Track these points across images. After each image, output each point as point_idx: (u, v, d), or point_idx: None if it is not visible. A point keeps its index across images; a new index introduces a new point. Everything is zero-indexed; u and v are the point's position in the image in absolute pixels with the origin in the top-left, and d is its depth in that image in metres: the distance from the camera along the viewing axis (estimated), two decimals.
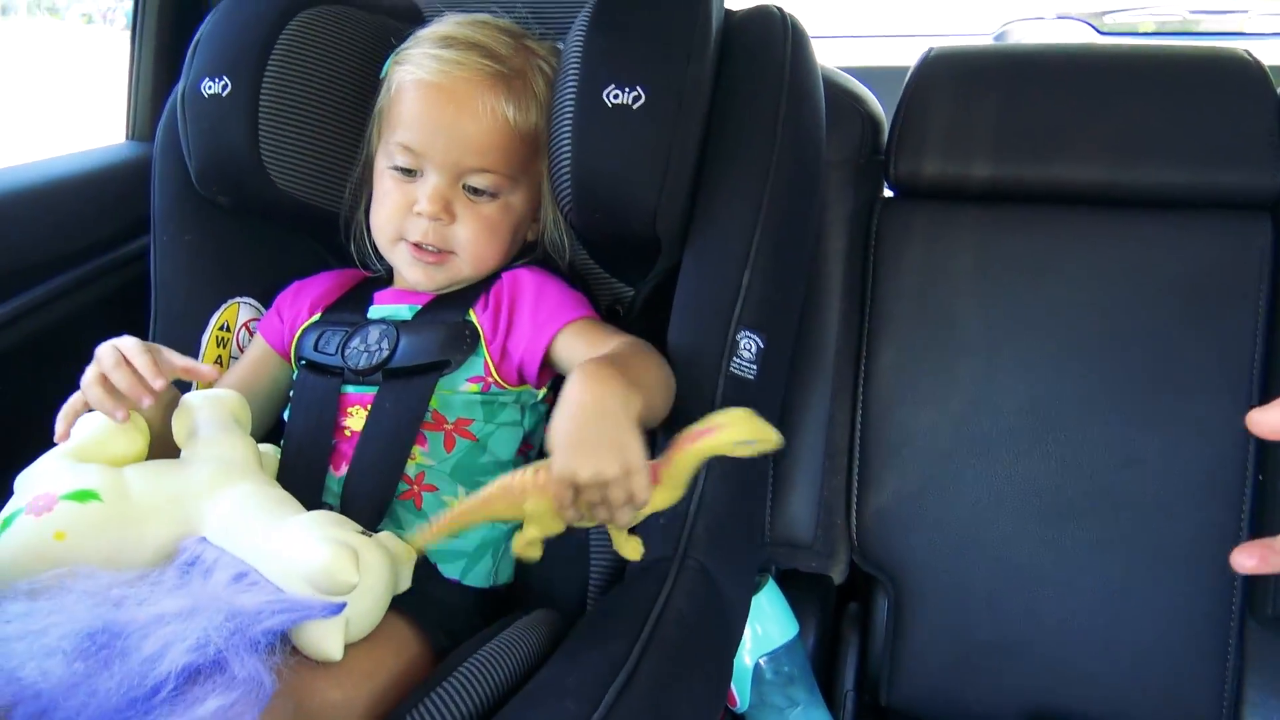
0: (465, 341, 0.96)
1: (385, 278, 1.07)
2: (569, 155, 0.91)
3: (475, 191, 0.97)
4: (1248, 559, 0.55)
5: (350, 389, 0.97)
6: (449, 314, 0.99)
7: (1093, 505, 1.06)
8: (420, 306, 1.01)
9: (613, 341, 0.92)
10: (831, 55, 1.17)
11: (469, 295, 1.00)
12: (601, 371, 0.79)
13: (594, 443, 0.73)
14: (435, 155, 0.95)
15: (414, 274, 0.99)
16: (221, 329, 1.10)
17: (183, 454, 0.89)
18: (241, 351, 1.10)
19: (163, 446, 0.89)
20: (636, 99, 0.89)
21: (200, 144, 1.02)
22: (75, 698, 0.63)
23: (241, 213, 1.09)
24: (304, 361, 1.01)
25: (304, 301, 1.06)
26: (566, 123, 0.91)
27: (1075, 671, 1.07)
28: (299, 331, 1.03)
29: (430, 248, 0.97)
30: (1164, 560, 1.05)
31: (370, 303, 1.03)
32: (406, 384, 0.95)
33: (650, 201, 0.91)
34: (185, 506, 0.82)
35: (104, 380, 0.84)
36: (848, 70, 1.22)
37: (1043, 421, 1.08)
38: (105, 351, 0.85)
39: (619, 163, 0.90)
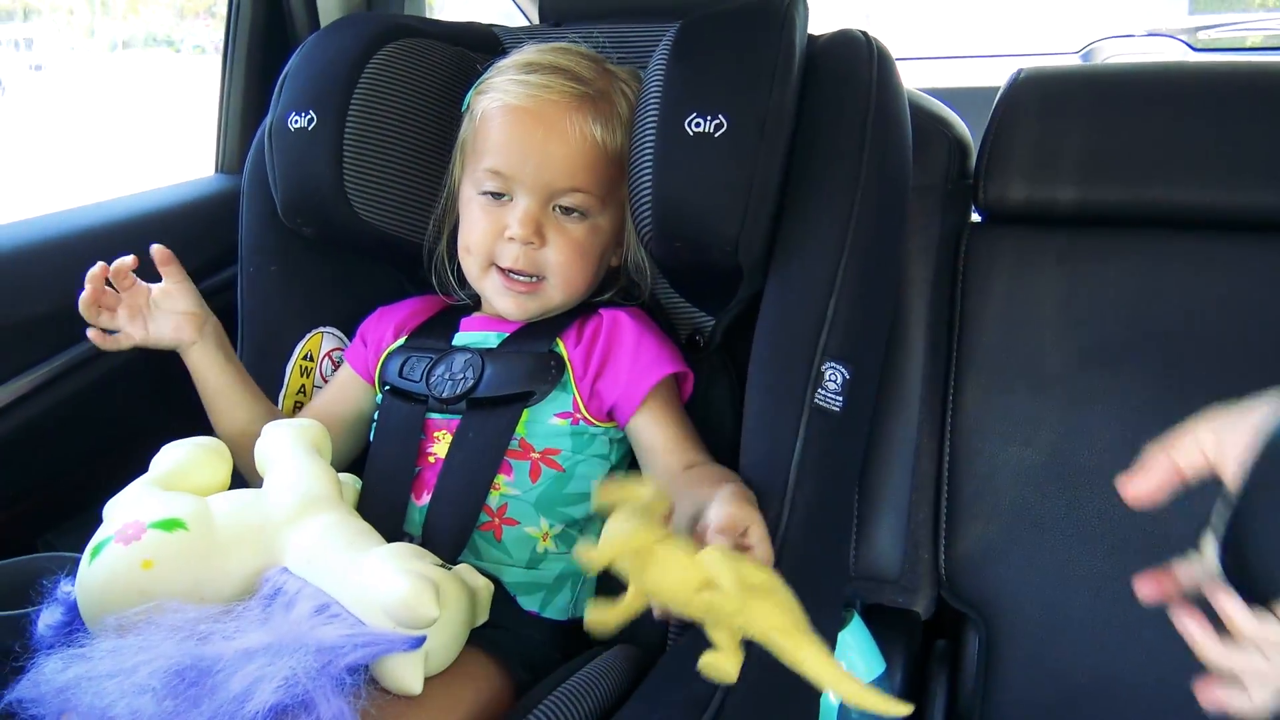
0: (551, 373, 0.96)
1: (472, 305, 1.08)
2: (650, 184, 0.90)
3: (565, 212, 0.97)
4: (1144, 586, 0.53)
5: (435, 415, 0.97)
6: (536, 344, 0.99)
7: (1197, 540, 1.01)
8: (507, 335, 1.01)
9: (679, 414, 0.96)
10: (916, 78, 1.15)
11: (557, 325, 1.00)
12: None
13: None
14: (525, 178, 0.95)
15: (504, 303, 0.99)
16: (305, 359, 1.12)
17: (265, 484, 0.90)
18: (325, 381, 1.12)
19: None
20: (719, 127, 0.88)
21: (286, 176, 1.04)
22: None
23: (326, 244, 1.10)
24: (388, 387, 1.01)
25: (388, 325, 1.07)
26: (648, 152, 0.91)
27: (1182, 717, 1.02)
28: (384, 355, 1.04)
29: (523, 277, 0.97)
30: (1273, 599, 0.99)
31: (456, 329, 1.03)
32: (490, 413, 0.95)
33: (732, 231, 0.89)
34: (268, 537, 0.83)
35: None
36: (932, 92, 1.20)
37: (1141, 452, 1.03)
38: None
39: (700, 192, 0.89)
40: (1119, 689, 1.04)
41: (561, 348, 0.98)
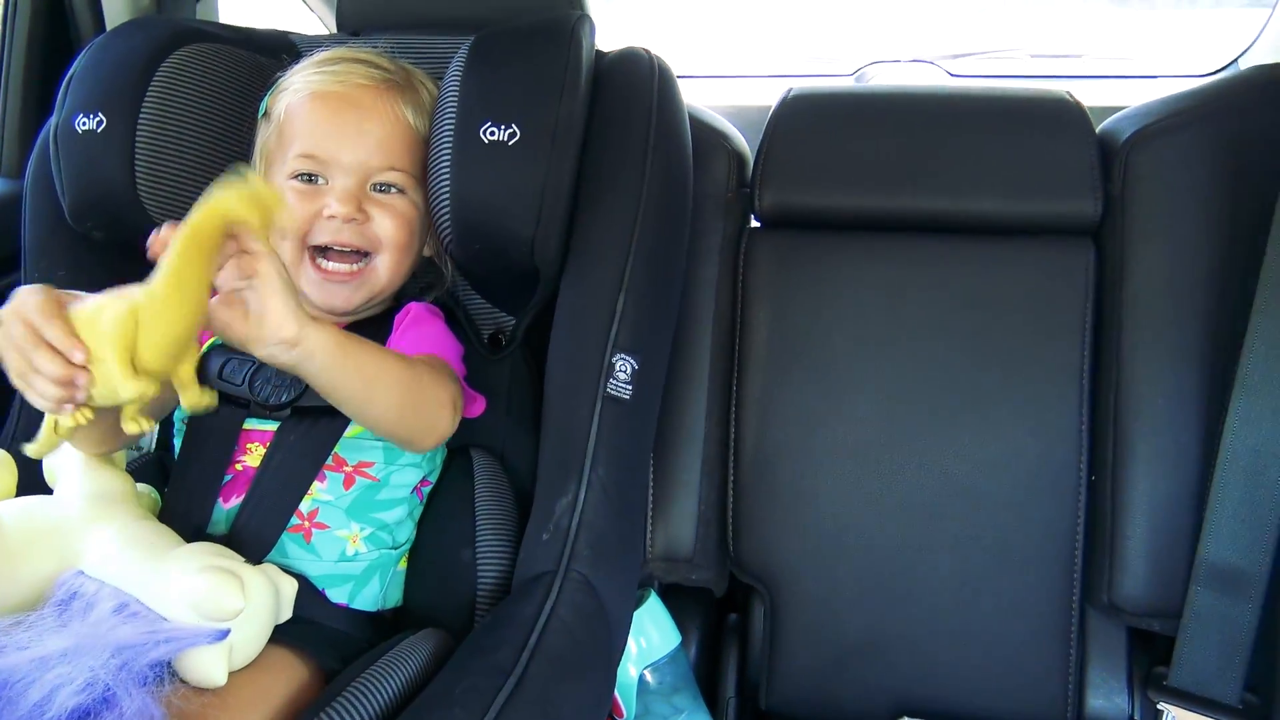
0: None
1: None
2: (448, 190, 0.94)
3: (383, 190, 0.97)
4: None
5: (253, 422, 0.95)
6: None
7: (947, 504, 1.14)
8: None
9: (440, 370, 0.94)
10: (699, 95, 1.24)
11: (381, 330, 0.99)
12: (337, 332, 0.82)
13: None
14: (341, 159, 0.95)
15: (326, 297, 0.96)
16: None
17: (56, 490, 0.88)
18: None
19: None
20: (512, 135, 0.93)
21: (74, 179, 1.01)
22: None
23: (116, 247, 1.08)
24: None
25: None
26: (445, 159, 0.95)
27: (936, 666, 1.15)
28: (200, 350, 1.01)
29: (342, 264, 0.95)
30: (1010, 555, 1.13)
31: None
32: (314, 424, 0.93)
33: (527, 233, 0.95)
34: (62, 540, 0.82)
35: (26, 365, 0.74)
36: (716, 110, 1.29)
37: (901, 431, 1.16)
38: (12, 324, 0.75)
39: (496, 196, 0.94)
40: (882, 642, 1.16)
41: None
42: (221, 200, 0.72)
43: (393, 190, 0.98)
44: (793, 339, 1.19)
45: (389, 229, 0.96)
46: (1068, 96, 1.21)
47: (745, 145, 1.28)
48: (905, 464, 1.15)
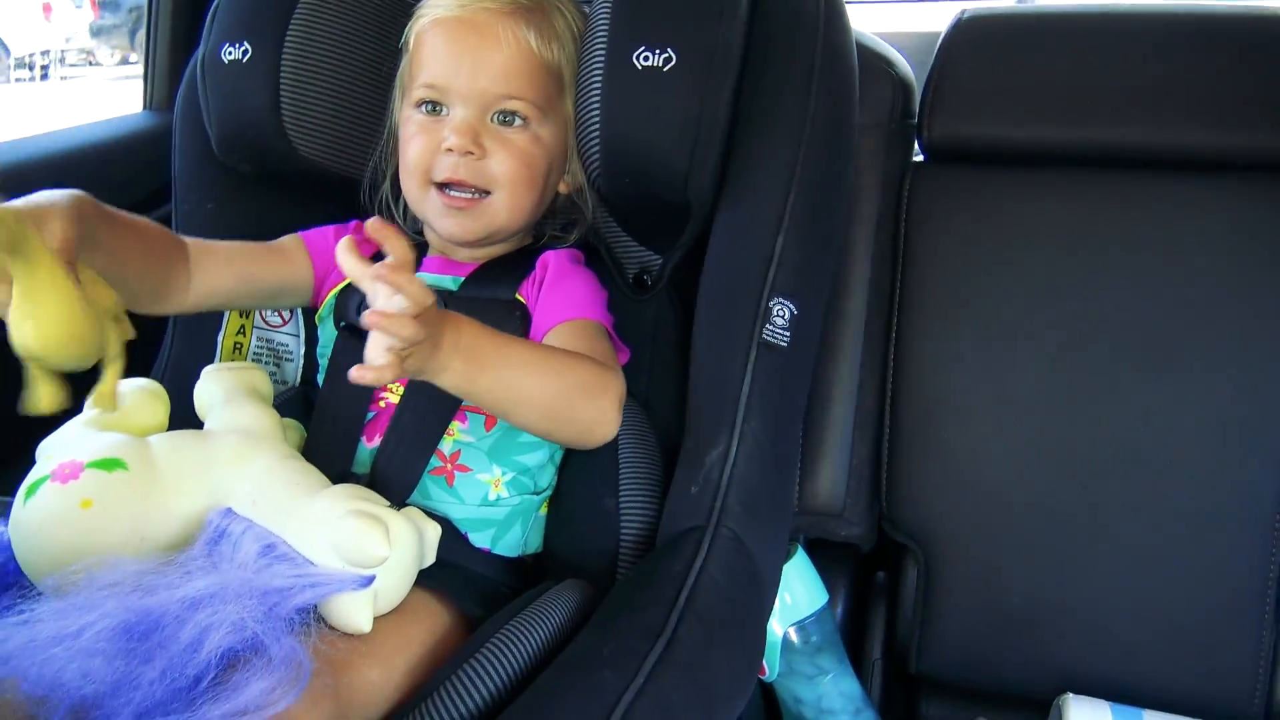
0: (514, 323, 0.94)
1: (424, 245, 1.04)
2: (598, 120, 0.90)
3: (504, 121, 0.94)
4: None
5: None
6: (496, 289, 0.97)
7: (1126, 467, 1.06)
8: (463, 278, 0.98)
9: (594, 349, 0.90)
10: (863, 21, 1.15)
11: (515, 272, 0.98)
12: (468, 327, 0.78)
13: None
14: (460, 87, 0.92)
15: (446, 224, 0.95)
16: None
17: (206, 425, 0.88)
18: (266, 324, 1.09)
19: None
20: (667, 61, 0.87)
21: (221, 111, 1.01)
22: (121, 694, 0.63)
23: (264, 181, 1.08)
24: (344, 324, 0.99)
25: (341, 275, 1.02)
26: (595, 87, 0.90)
27: (1110, 639, 1.07)
28: (339, 287, 1.00)
29: (463, 193, 0.94)
30: (1199, 523, 1.04)
31: (416, 269, 1.01)
32: None
33: (681, 166, 0.89)
34: (211, 477, 0.82)
35: None
36: (883, 37, 1.21)
37: (1075, 384, 1.07)
38: None
39: (649, 127, 0.88)
40: (1048, 613, 1.09)
41: (521, 297, 0.96)
42: None
43: (516, 121, 0.94)
44: (959, 283, 1.12)
45: (507, 166, 0.93)
46: None
47: (911, 73, 1.19)
48: (1082, 422, 1.07)
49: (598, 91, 0.89)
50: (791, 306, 0.90)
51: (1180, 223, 1.06)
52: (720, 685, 0.77)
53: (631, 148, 0.89)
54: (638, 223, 1.04)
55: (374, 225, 0.72)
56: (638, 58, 0.87)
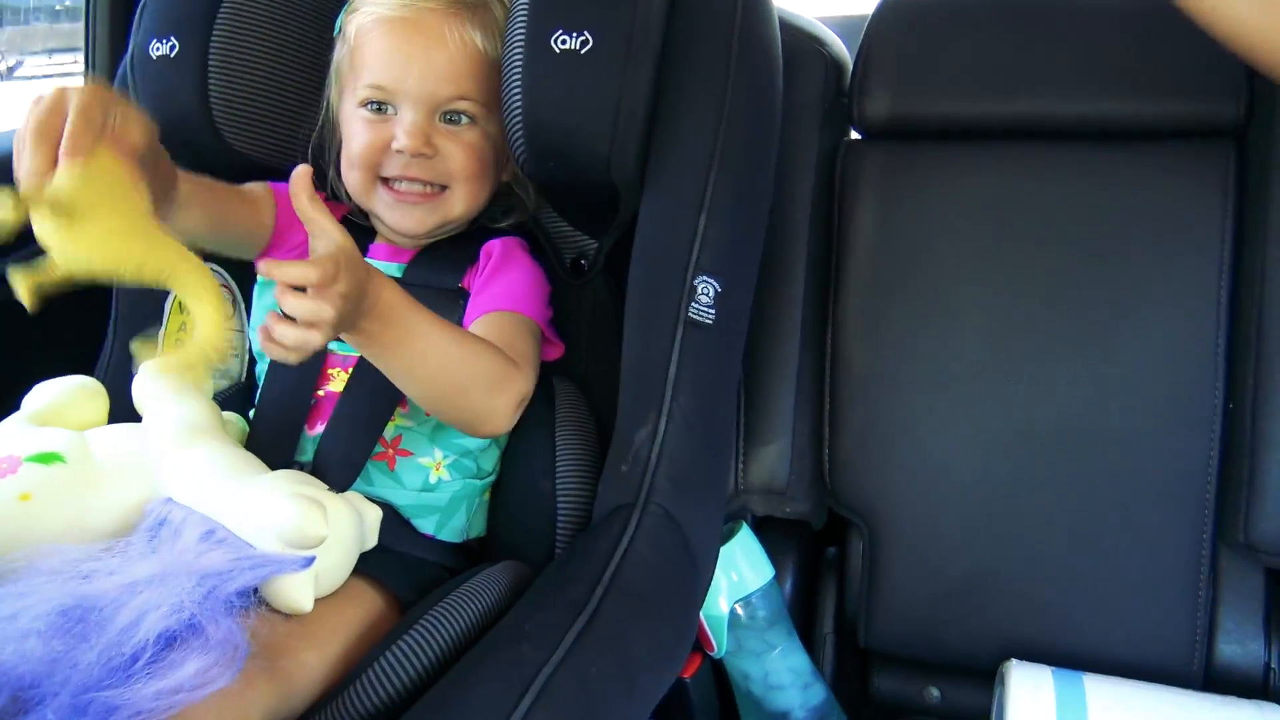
0: (459, 311, 0.95)
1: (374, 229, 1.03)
2: (520, 104, 0.90)
3: (453, 120, 0.95)
4: None
5: (336, 346, 0.94)
6: (441, 277, 0.97)
7: (1062, 438, 1.06)
8: (406, 264, 0.98)
9: (512, 345, 0.90)
10: (799, 3, 1.16)
11: (461, 260, 0.98)
12: (390, 288, 0.78)
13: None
14: (408, 89, 0.92)
15: (397, 218, 0.96)
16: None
17: (144, 419, 0.89)
18: None
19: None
20: (584, 43, 0.87)
21: (152, 107, 1.00)
22: (57, 674, 0.63)
23: (204, 173, 1.07)
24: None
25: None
26: (516, 71, 0.90)
27: (1049, 608, 1.08)
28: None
29: (414, 186, 0.94)
30: (1134, 491, 1.05)
31: (365, 254, 1.01)
32: None
33: (603, 149, 0.90)
34: (149, 468, 0.83)
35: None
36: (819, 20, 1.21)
37: (1009, 357, 1.08)
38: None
39: (569, 111, 0.89)
40: (989, 583, 1.09)
41: (467, 287, 0.97)
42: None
43: (463, 120, 0.95)
44: (894, 259, 1.12)
45: (459, 162, 0.95)
46: None
47: (844, 51, 1.19)
48: (1016, 394, 1.07)
49: (519, 75, 0.89)
50: (716, 284, 0.91)
51: (1105, 194, 1.06)
52: (643, 658, 0.77)
53: (553, 131, 0.90)
54: (570, 207, 1.04)
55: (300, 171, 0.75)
56: (555, 40, 0.88)
